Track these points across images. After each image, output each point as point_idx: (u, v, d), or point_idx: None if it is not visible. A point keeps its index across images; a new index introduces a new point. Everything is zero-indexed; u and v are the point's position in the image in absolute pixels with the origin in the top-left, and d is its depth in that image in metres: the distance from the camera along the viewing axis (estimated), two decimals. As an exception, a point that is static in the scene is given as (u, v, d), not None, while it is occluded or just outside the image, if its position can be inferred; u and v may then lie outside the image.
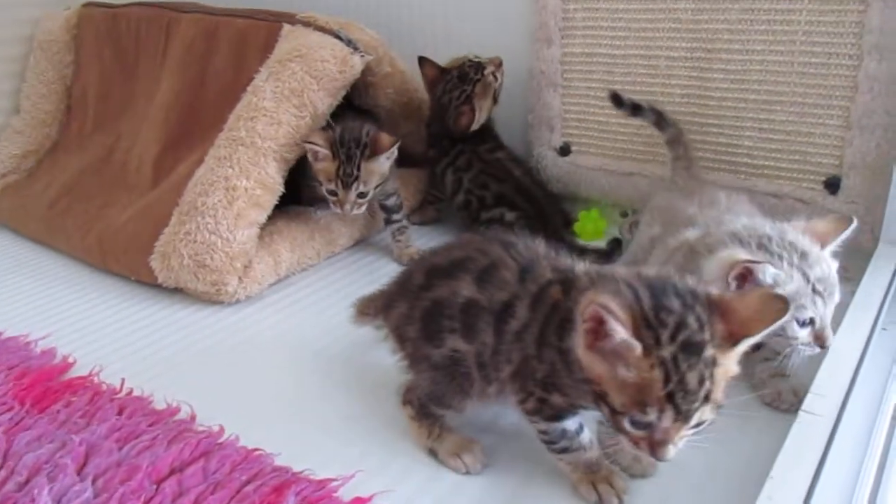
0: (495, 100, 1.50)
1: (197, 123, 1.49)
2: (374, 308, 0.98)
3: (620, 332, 0.60)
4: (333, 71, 1.32)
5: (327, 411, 0.99)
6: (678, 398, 0.60)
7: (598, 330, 0.62)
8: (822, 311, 0.86)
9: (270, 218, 1.36)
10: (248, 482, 0.81)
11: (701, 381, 0.60)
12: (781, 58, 1.22)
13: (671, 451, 0.64)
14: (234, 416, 0.95)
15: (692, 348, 0.60)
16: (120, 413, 0.95)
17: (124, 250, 1.38)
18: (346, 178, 1.31)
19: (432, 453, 0.88)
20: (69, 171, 1.72)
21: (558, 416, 0.76)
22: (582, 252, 1.37)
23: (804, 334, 0.86)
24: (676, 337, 0.60)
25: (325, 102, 1.33)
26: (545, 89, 1.49)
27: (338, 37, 1.36)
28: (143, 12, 1.70)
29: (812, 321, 0.86)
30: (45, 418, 0.94)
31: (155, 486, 0.80)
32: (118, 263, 1.39)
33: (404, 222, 1.49)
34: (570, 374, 0.70)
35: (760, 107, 1.26)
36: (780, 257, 0.85)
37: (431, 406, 0.87)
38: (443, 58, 1.51)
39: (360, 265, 1.47)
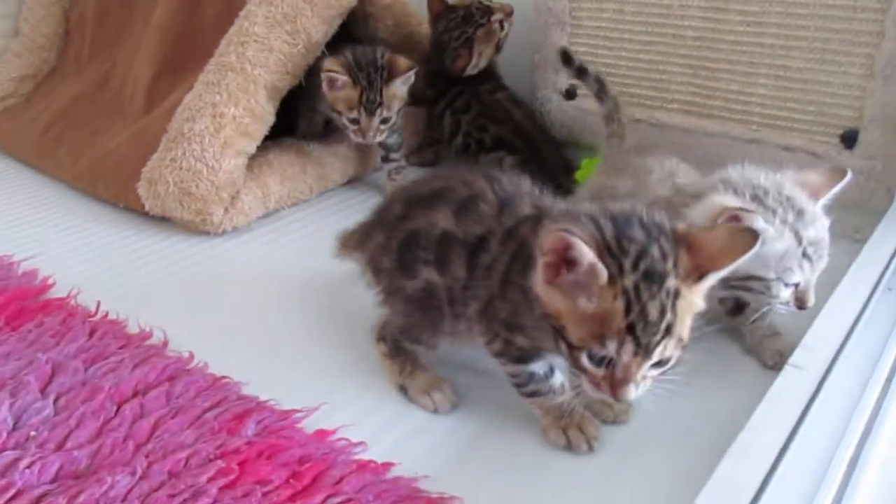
0: (498, 49, 1.44)
1: (191, 48, 1.44)
2: (354, 241, 0.95)
3: (589, 255, 0.58)
4: (329, -4, 1.27)
5: (301, 345, 0.97)
6: (638, 329, 0.58)
7: (558, 263, 0.61)
8: (809, 276, 0.81)
9: (261, 149, 1.33)
10: (210, 408, 0.80)
11: (662, 313, 0.58)
12: (802, -1, 1.14)
13: (632, 390, 0.61)
14: (206, 344, 0.93)
15: (654, 277, 0.58)
16: (91, 335, 0.93)
17: (114, 176, 1.35)
18: (370, 105, 1.27)
19: (403, 390, 0.85)
20: (64, 97, 1.69)
21: (524, 358, 0.73)
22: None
23: (786, 294, 0.82)
24: (638, 265, 0.59)
25: (319, 30, 1.28)
26: (552, 27, 1.42)
27: (337, -38, 1.30)
28: (140, -69, 1.63)
29: (796, 284, 0.82)
30: (16, 336, 0.93)
31: (116, 407, 0.79)
32: (107, 190, 1.37)
33: (402, 162, 1.44)
34: (532, 314, 0.67)
35: (777, 52, 1.19)
36: (774, 212, 0.80)
37: (404, 341, 0.85)
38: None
39: (352, 203, 1.44)
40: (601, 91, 1.19)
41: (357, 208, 1.41)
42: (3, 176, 1.56)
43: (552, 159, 1.44)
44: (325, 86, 1.28)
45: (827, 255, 0.83)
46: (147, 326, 0.96)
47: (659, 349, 0.59)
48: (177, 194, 1.21)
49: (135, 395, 0.81)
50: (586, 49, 1.40)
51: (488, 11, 1.41)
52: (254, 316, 1.05)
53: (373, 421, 0.82)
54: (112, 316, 1.00)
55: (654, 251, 0.59)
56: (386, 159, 1.43)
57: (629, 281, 0.58)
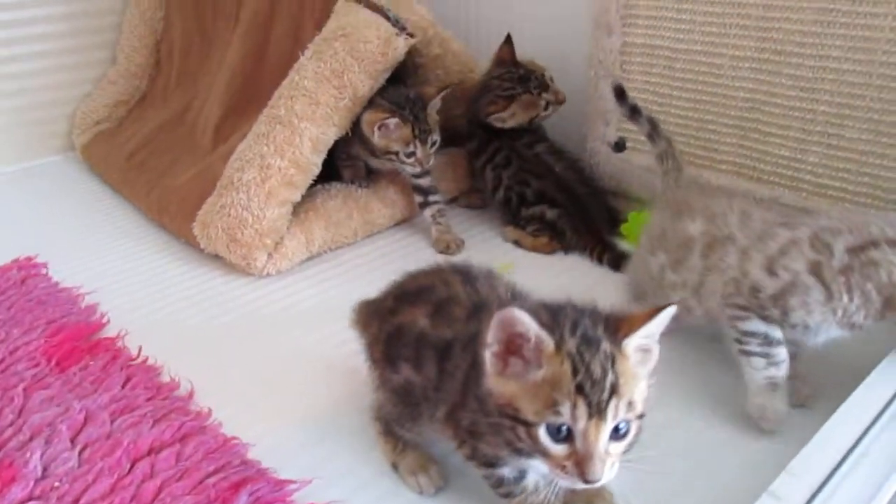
0: (530, 123, 1.44)
1: (256, 92, 1.53)
2: (361, 322, 0.95)
3: (534, 327, 0.62)
4: (376, 53, 1.30)
5: (313, 405, 1.01)
6: (587, 388, 0.61)
7: (504, 353, 0.65)
8: None
9: (309, 193, 1.39)
10: (213, 473, 0.86)
11: (604, 371, 0.62)
12: (859, 67, 1.06)
13: (598, 466, 0.62)
14: (226, 396, 1.00)
15: (590, 340, 0.63)
16: (125, 384, 1.02)
17: (177, 212, 1.45)
18: (423, 135, 1.36)
19: (395, 468, 0.88)
20: (150, 125, 1.83)
21: (492, 463, 0.74)
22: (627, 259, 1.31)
23: None
24: (575, 332, 0.64)
25: (365, 85, 1.32)
26: (602, 80, 1.39)
27: (386, 16, 1.33)
28: (218, -27, 1.73)
29: None
30: (62, 379, 1.03)
31: (130, 465, 0.87)
32: (171, 223, 1.48)
33: (442, 204, 1.47)
34: (489, 422, 0.68)
35: (830, 120, 1.12)
36: None
37: (394, 425, 0.87)
38: (497, 37, 1.45)
39: (397, 246, 1.47)
40: (653, 131, 1.16)
41: (400, 252, 1.46)
42: (88, 199, 1.71)
43: (596, 212, 1.42)
44: (377, 135, 1.35)
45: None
46: (177, 376, 1.04)
47: (611, 408, 0.62)
48: (224, 239, 1.30)
49: (149, 452, 0.89)
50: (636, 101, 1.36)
51: (543, 87, 1.42)
52: (280, 370, 1.10)
53: (361, 498, 0.85)
54: (151, 360, 1.08)
55: (586, 321, 0.65)
56: (425, 204, 1.46)
57: (571, 345, 0.63)
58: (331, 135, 1.34)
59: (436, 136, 1.40)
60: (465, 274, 0.80)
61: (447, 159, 1.59)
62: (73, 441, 0.90)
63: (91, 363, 1.06)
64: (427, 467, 0.86)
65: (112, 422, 0.94)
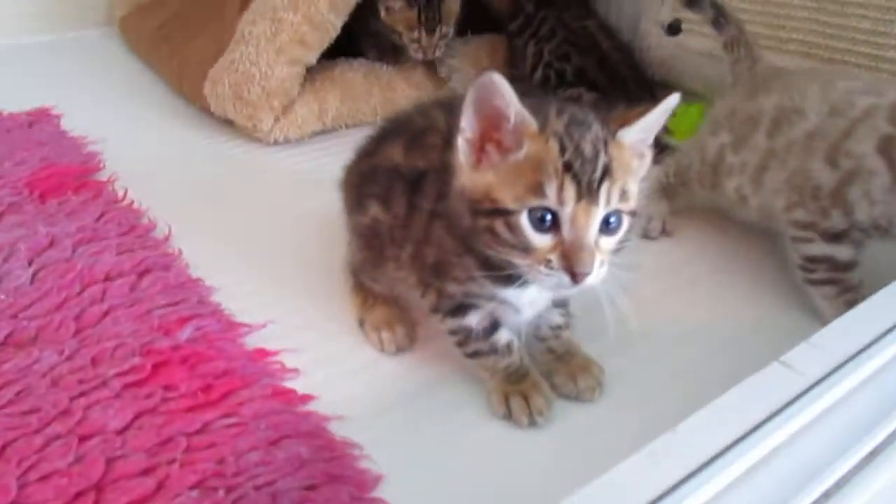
0: None
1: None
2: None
3: (515, 102, 0.55)
4: None
5: (293, 262, 0.94)
6: (576, 166, 0.54)
7: (480, 141, 0.57)
8: None
9: (329, 64, 1.29)
10: (164, 306, 0.79)
11: (596, 150, 0.55)
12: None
13: (588, 257, 0.54)
14: (204, 245, 0.94)
15: (580, 122, 0.57)
16: (99, 218, 0.96)
17: (193, 76, 1.38)
18: (430, 24, 1.30)
19: (361, 324, 0.80)
20: (184, -1, 1.76)
21: (460, 309, 0.66)
22: (669, 151, 1.17)
23: None
24: (562, 116, 0.57)
25: (389, -60, 1.19)
26: (662, -52, 1.22)
27: None
28: None
29: None
30: (39, 209, 0.98)
31: (81, 288, 0.81)
32: (189, 89, 1.40)
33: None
34: (456, 244, 0.61)
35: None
36: None
37: (361, 275, 0.80)
38: None
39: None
40: (719, 16, 1.01)
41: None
42: (118, 69, 1.67)
43: (641, 101, 1.26)
44: (383, 13, 1.30)
45: None
46: (157, 219, 0.98)
47: (604, 191, 0.55)
48: (231, 97, 1.22)
49: (105, 279, 0.83)
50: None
51: None
52: (264, 228, 1.03)
53: (319, 351, 0.77)
54: (136, 205, 1.03)
55: (574, 110, 0.58)
56: (451, 80, 1.35)
57: (558, 125, 0.56)
58: (348, -5, 1.22)
59: (447, 29, 1.33)
60: (448, 105, 0.70)
61: (485, 44, 1.47)
62: (30, 262, 0.85)
63: (73, 198, 1.02)
64: (393, 325, 0.77)
65: (74, 249, 0.88)
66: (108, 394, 0.66)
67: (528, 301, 0.65)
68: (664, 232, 0.98)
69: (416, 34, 1.29)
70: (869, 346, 0.57)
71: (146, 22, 1.75)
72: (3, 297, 0.79)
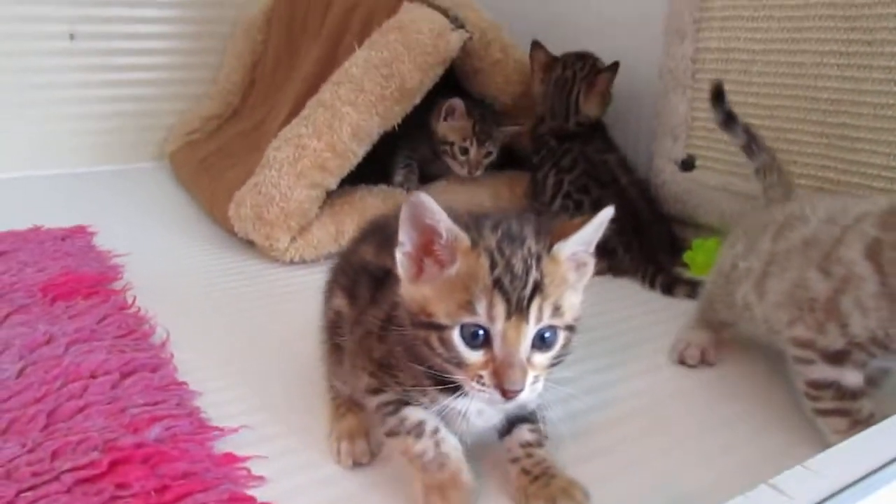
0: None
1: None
2: None
3: (444, 219, 0.56)
4: (427, 44, 1.27)
5: (283, 372, 0.91)
6: (506, 283, 0.55)
7: (419, 255, 0.59)
8: None
9: (349, 190, 1.34)
10: (141, 405, 0.77)
11: (527, 267, 0.56)
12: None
13: (518, 375, 0.54)
14: (201, 352, 0.94)
15: (513, 238, 0.58)
16: (101, 321, 0.97)
17: (222, 199, 1.44)
18: (482, 136, 1.41)
19: (329, 434, 0.76)
20: (229, 134, 1.89)
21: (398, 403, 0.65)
22: (682, 284, 1.15)
23: None
24: (497, 231, 0.58)
25: (414, 77, 1.28)
26: (672, 92, 1.27)
27: (444, 12, 1.30)
28: (312, -6, 1.81)
29: None
30: (45, 310, 1.00)
31: (62, 384, 0.80)
32: (217, 211, 1.47)
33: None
34: (405, 350, 0.61)
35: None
36: None
37: (331, 378, 0.79)
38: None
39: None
40: (752, 142, 1.01)
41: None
42: (163, 198, 1.77)
43: (655, 234, 1.26)
44: (441, 119, 1.42)
45: None
46: (157, 325, 0.99)
47: (534, 308, 0.55)
48: (251, 217, 1.26)
49: (89, 377, 0.82)
50: (707, 115, 1.22)
51: (591, 56, 1.37)
52: (263, 339, 1.02)
53: (289, 460, 0.73)
54: (142, 312, 1.04)
55: (511, 223, 0.59)
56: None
57: (491, 241, 0.57)
58: (373, 125, 1.29)
59: (492, 148, 1.43)
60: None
61: (505, 178, 1.51)
62: (21, 357, 0.86)
63: (80, 302, 1.04)
64: (355, 437, 0.73)
65: (67, 347, 0.88)
66: (58, 488, 0.63)
67: (476, 410, 0.62)
68: (704, 361, 0.93)
69: (467, 143, 1.40)
70: (870, 474, 0.51)
71: (193, 154, 1.88)
72: (-15, 389, 0.79)
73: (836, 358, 0.69)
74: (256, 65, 2.06)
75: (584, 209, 1.30)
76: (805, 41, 1.06)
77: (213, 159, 1.76)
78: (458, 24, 1.29)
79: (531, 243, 0.57)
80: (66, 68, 1.94)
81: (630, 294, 1.19)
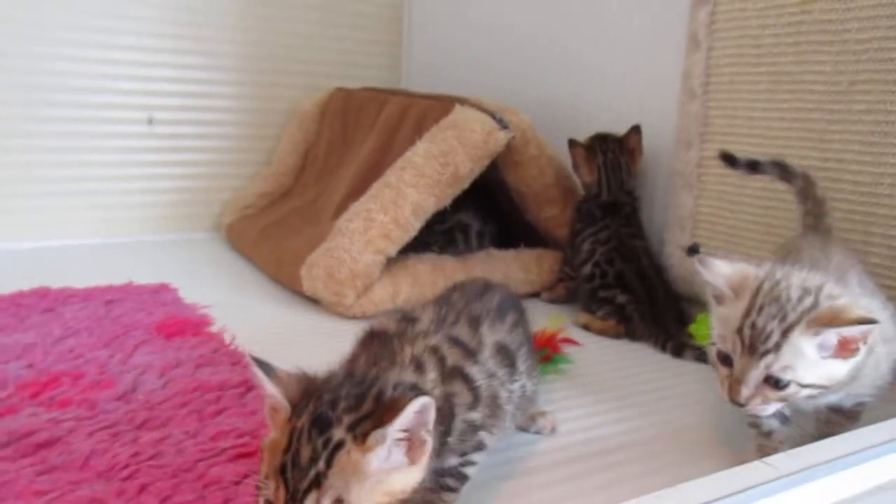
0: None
1: (376, 177, 1.78)
2: None
3: (269, 387, 0.61)
4: (479, 140, 1.53)
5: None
6: (288, 471, 0.57)
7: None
8: None
9: (403, 257, 1.57)
10: (266, 411, 0.96)
11: (313, 459, 0.57)
12: (915, 170, 1.14)
13: None
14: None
15: (321, 422, 0.58)
16: (214, 352, 1.17)
17: (289, 263, 1.67)
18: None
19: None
20: (285, 209, 2.13)
21: None
22: (689, 348, 1.36)
23: None
24: (317, 408, 0.59)
25: (466, 166, 1.53)
26: (681, 190, 1.53)
27: (492, 115, 1.57)
28: (367, 95, 2.10)
29: None
30: (166, 343, 1.20)
31: (202, 394, 0.99)
32: (283, 273, 1.69)
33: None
34: None
35: (890, 223, 1.18)
36: None
37: None
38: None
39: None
40: (785, 172, 1.14)
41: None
42: (222, 260, 1.99)
43: (666, 308, 1.49)
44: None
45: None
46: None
47: (309, 502, 0.56)
48: (323, 277, 1.48)
49: (220, 388, 1.02)
50: (710, 210, 1.48)
51: (607, 133, 1.65)
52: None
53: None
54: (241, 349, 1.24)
55: (340, 401, 0.60)
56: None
57: (302, 420, 0.59)
58: (430, 204, 1.54)
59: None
60: (408, 316, 0.82)
61: (534, 255, 1.75)
62: (162, 375, 1.05)
63: (191, 338, 1.24)
64: None
65: (196, 369, 1.08)
66: (225, 459, 0.82)
67: None
68: None
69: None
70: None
71: (251, 226, 2.11)
72: (141, 397, 0.98)
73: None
74: (308, 151, 2.34)
75: (608, 279, 1.53)
76: (789, 157, 1.31)
77: (271, 230, 2.00)
78: (503, 124, 1.56)
79: (336, 432, 0.57)
80: (141, 149, 2.19)
81: (644, 354, 1.41)
